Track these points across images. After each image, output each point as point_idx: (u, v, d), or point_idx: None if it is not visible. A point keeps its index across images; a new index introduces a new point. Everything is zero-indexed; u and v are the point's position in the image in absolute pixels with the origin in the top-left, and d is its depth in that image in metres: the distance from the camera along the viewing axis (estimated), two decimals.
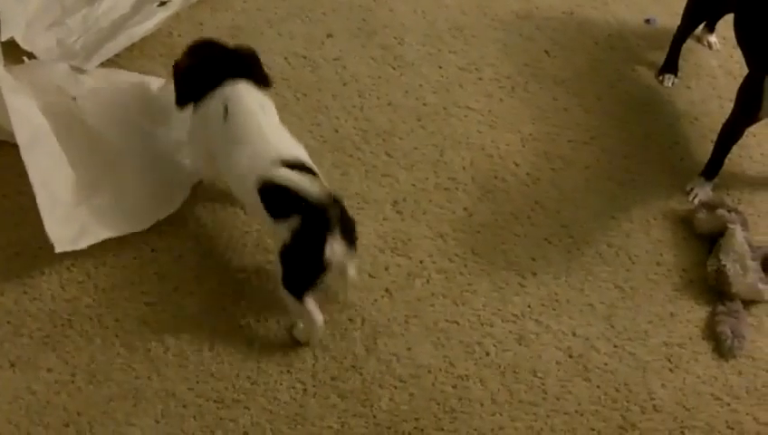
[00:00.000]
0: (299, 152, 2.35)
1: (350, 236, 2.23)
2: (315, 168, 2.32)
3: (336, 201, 2.18)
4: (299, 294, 2.24)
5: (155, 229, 2.56)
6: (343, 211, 2.23)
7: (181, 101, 2.50)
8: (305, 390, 2.30)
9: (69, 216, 2.48)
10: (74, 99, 2.70)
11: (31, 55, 2.88)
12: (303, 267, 2.22)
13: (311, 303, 2.27)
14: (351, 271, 2.37)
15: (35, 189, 2.42)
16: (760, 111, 2.59)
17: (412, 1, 3.31)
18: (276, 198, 2.21)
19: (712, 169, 2.77)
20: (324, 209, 2.13)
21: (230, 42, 2.74)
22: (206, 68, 2.44)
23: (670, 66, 3.09)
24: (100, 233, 2.49)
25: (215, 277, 2.49)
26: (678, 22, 3.05)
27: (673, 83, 3.08)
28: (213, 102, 2.39)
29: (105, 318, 2.39)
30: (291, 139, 2.39)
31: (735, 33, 2.75)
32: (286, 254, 2.21)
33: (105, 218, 2.53)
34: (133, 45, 3.00)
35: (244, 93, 2.40)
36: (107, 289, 2.45)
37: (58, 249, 2.38)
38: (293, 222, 2.16)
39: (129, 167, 2.64)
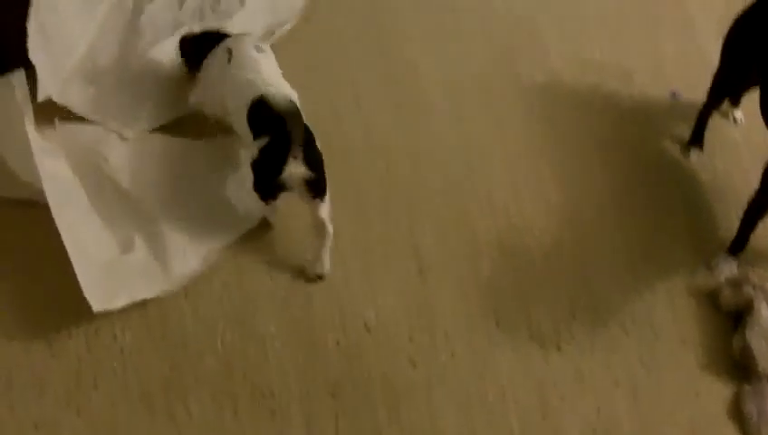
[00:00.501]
0: (291, 94, 2.65)
1: (312, 161, 2.48)
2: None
3: (301, 128, 2.47)
4: (263, 199, 2.59)
5: (182, 292, 2.58)
6: (309, 138, 2.51)
7: (192, 63, 2.92)
8: None
9: (104, 275, 2.52)
10: (106, 160, 2.74)
11: (66, 111, 2.93)
12: (264, 182, 2.54)
13: (272, 206, 2.65)
14: (323, 212, 2.58)
15: (68, 250, 2.46)
16: None
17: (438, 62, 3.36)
18: (257, 118, 2.55)
19: (737, 245, 2.77)
20: (288, 133, 2.42)
21: None
22: (210, 33, 2.94)
23: (696, 140, 3.11)
24: (136, 293, 2.52)
25: (239, 341, 2.50)
26: (703, 96, 3.07)
27: (698, 157, 3.09)
28: (218, 52, 2.81)
29: (130, 381, 2.40)
30: (286, 83, 2.72)
31: (761, 108, 2.76)
32: (254, 167, 2.55)
33: (140, 277, 2.57)
34: None
35: (246, 41, 2.82)
36: (133, 352, 2.46)
37: (96, 308, 2.42)
38: (263, 141, 2.49)
39: (165, 225, 2.70)
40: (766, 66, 2.72)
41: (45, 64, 2.90)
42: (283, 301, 2.60)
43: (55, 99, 2.91)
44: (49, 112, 2.86)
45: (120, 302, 2.48)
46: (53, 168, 2.63)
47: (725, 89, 3.04)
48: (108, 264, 2.57)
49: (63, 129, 2.88)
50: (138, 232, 2.67)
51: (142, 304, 2.53)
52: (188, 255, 2.66)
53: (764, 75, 2.74)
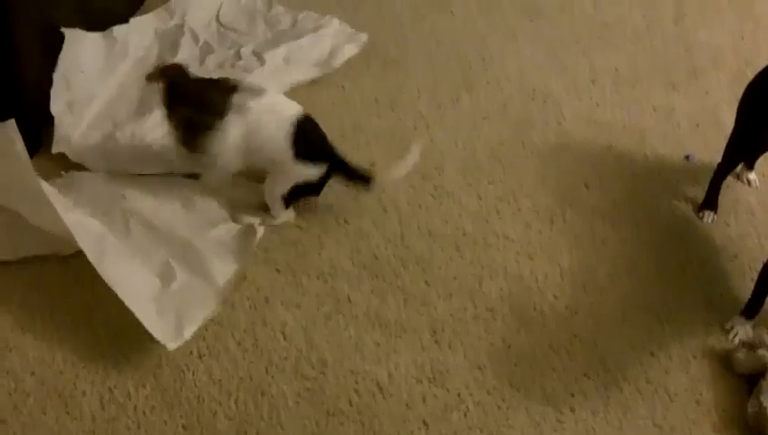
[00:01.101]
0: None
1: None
2: None
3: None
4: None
5: (196, 352, 2.60)
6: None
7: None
8: None
9: (161, 311, 2.59)
10: (123, 196, 2.89)
11: (75, 167, 3.03)
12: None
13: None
14: None
15: (122, 297, 2.53)
16: None
17: (451, 131, 3.40)
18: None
19: (752, 308, 2.76)
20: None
21: None
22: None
23: (710, 203, 3.12)
24: (195, 316, 2.62)
25: (252, 401, 2.50)
26: (716, 158, 3.09)
27: (712, 220, 3.10)
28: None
29: None
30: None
31: None
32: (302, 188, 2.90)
33: (192, 301, 2.67)
34: None
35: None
36: (146, 411, 2.46)
37: (172, 347, 2.52)
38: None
39: (196, 241, 2.84)
40: None
41: (64, 117, 2.97)
42: (296, 361, 2.61)
43: (69, 155, 2.98)
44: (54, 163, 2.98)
45: (188, 332, 2.58)
46: (79, 220, 2.69)
47: (741, 152, 3.06)
48: (157, 299, 2.64)
49: (71, 176, 3.00)
50: (172, 258, 2.77)
51: (157, 364, 2.56)
52: (225, 259, 2.80)
53: None
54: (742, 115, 2.95)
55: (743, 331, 2.74)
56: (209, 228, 2.90)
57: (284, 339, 2.66)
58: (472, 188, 3.19)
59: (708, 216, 3.11)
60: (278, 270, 2.85)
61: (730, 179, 3.19)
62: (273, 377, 2.57)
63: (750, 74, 3.00)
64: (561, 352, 2.69)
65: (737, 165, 3.12)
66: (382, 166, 3.08)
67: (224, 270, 2.78)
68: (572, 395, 2.59)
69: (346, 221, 3.02)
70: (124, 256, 2.73)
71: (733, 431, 2.54)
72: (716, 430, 2.54)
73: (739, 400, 2.60)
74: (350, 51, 3.68)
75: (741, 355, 2.64)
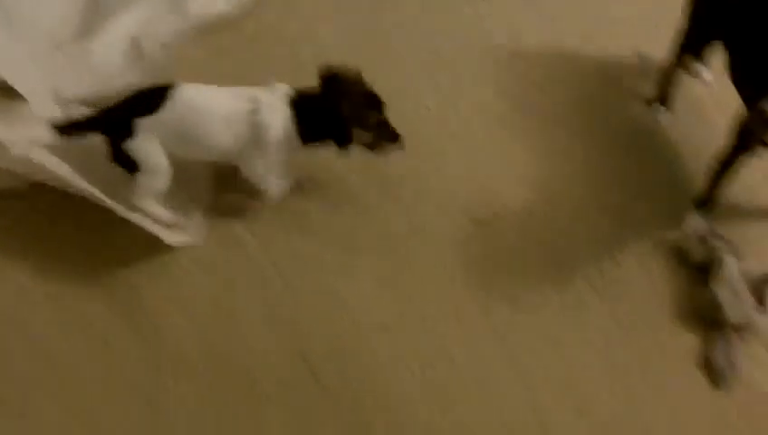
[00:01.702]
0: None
1: None
2: None
3: None
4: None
5: (154, 275, 2.63)
6: None
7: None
8: None
9: None
10: None
11: None
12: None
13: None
14: None
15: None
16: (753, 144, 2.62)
17: (410, 33, 3.39)
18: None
19: (705, 200, 2.81)
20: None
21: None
22: None
23: (662, 99, 3.15)
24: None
25: (219, 322, 2.55)
26: (668, 55, 3.10)
27: (664, 116, 3.13)
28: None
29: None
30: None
31: (726, 65, 2.79)
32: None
33: None
34: None
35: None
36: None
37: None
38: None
39: None
40: (730, 22, 2.75)
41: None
42: (262, 280, 2.65)
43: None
44: None
45: None
46: None
47: (688, 46, 3.07)
48: None
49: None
50: None
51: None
52: None
53: (729, 30, 2.77)
54: (688, 9, 2.94)
55: (695, 222, 2.79)
56: None
57: (248, 261, 2.69)
58: (428, 94, 3.19)
59: (660, 111, 3.13)
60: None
61: (682, 75, 3.20)
62: (239, 298, 2.61)
63: None
64: (519, 255, 2.75)
65: (686, 60, 3.13)
66: None
67: None
68: (530, 295, 2.65)
69: None
70: None
71: (686, 321, 2.63)
72: (671, 319, 2.63)
73: (693, 290, 2.67)
74: None
75: (694, 246, 2.71)
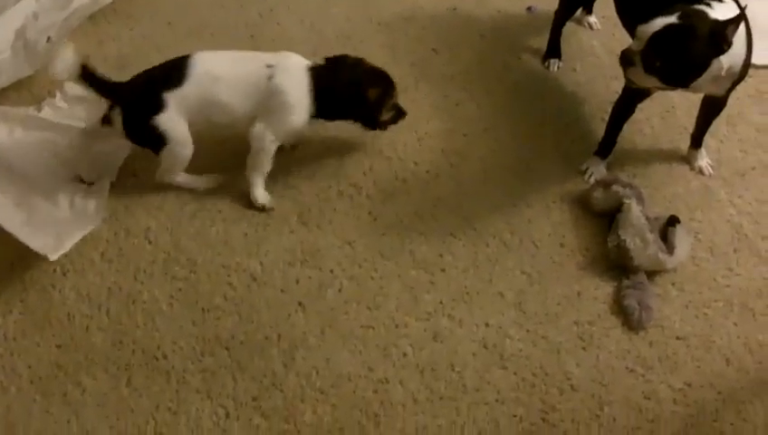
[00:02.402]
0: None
1: None
2: None
3: None
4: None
5: (60, 271, 2.54)
6: None
7: None
8: (227, 414, 2.28)
9: (35, 230, 2.53)
10: None
11: None
12: None
13: None
14: None
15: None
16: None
17: (299, 13, 3.33)
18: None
19: (605, 148, 2.84)
20: None
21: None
22: None
23: (553, 51, 3.18)
24: (76, 233, 2.57)
25: (125, 311, 2.47)
26: (556, 5, 3.12)
27: (558, 67, 3.17)
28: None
29: (18, 366, 2.35)
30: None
31: (616, 8, 2.81)
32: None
33: (71, 219, 2.64)
34: (21, 84, 2.97)
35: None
36: (17, 336, 2.41)
37: (53, 257, 2.45)
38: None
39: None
40: None
41: None
42: (164, 263, 2.58)
43: None
44: None
45: (68, 244, 2.53)
46: None
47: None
48: (31, 223, 2.59)
49: None
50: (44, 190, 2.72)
51: (22, 288, 2.49)
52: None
53: None
54: None
55: (597, 170, 2.83)
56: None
57: (150, 244, 2.63)
58: None
59: (554, 64, 3.17)
60: (135, 175, 2.78)
61: (573, 26, 3.24)
62: (142, 283, 2.54)
63: None
64: (427, 217, 2.74)
65: (574, 11, 3.16)
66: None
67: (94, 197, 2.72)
68: (441, 256, 2.64)
69: None
70: None
71: (597, 268, 2.65)
72: (582, 268, 2.64)
73: (600, 237, 2.70)
74: None
75: (597, 194, 2.73)
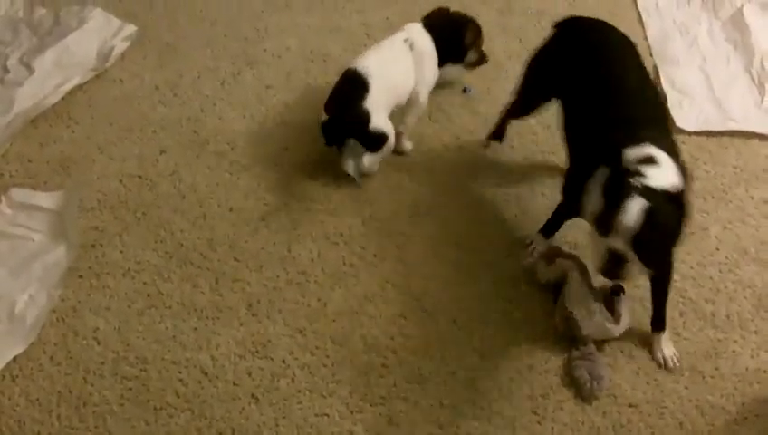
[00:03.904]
0: None
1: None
2: None
3: None
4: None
5: (9, 376, 2.54)
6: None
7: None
8: None
9: None
10: None
11: None
12: None
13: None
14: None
15: None
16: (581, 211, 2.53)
17: (238, 106, 3.37)
18: None
19: (550, 229, 2.87)
20: None
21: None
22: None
23: (496, 134, 3.23)
24: (5, 355, 2.58)
25: (75, 414, 2.45)
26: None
27: (498, 148, 3.22)
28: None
29: None
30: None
31: (561, 124, 2.76)
32: None
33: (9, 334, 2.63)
34: None
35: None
36: None
37: None
38: None
39: None
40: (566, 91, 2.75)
41: None
42: (114, 363, 2.56)
43: None
44: None
45: None
46: None
47: (523, 108, 3.10)
48: None
49: None
50: None
51: None
52: (37, 296, 2.72)
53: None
54: (527, 78, 2.96)
55: (540, 244, 2.87)
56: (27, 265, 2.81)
57: (99, 344, 2.61)
58: (267, 158, 3.18)
59: (494, 145, 3.22)
60: (81, 276, 2.77)
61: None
62: (92, 385, 2.52)
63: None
64: (377, 300, 2.75)
65: (533, 109, 3.09)
66: (177, 152, 3.12)
67: (34, 308, 2.69)
68: (392, 339, 2.65)
69: (144, 214, 2.97)
70: None
71: (547, 341, 2.68)
72: (531, 342, 2.67)
73: (548, 310, 2.73)
74: (121, 46, 3.59)
75: (542, 267, 2.77)
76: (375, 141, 2.99)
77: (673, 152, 2.36)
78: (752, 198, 3.10)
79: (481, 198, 3.07)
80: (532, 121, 3.30)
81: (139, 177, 3.08)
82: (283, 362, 2.59)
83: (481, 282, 2.82)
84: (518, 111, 3.11)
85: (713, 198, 3.10)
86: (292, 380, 2.55)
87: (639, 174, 2.20)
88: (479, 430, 2.46)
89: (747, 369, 2.64)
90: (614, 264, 2.25)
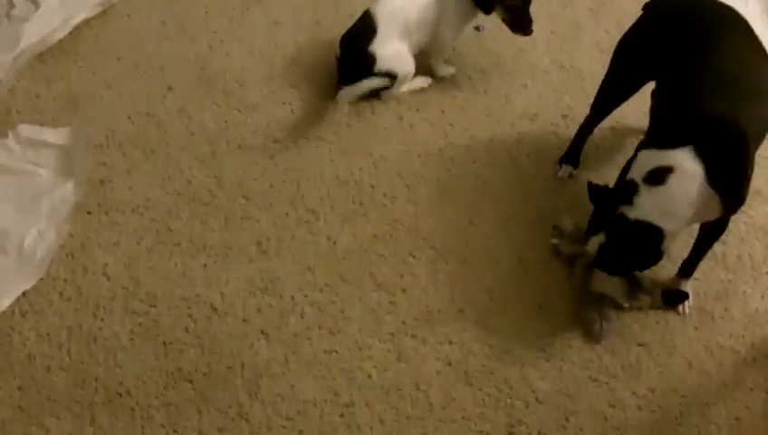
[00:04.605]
0: None
1: None
2: None
3: None
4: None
5: (18, 312, 2.52)
6: None
7: None
8: None
9: None
10: None
11: None
12: None
13: None
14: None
15: None
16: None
17: (247, 43, 3.33)
18: None
19: (572, 156, 2.90)
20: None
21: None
22: None
23: (570, 158, 2.97)
24: (13, 290, 2.57)
25: (85, 349, 2.45)
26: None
27: (570, 175, 2.95)
28: None
29: None
30: None
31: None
32: None
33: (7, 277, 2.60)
34: None
35: None
36: None
37: None
38: None
39: None
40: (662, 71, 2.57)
41: None
42: (124, 299, 2.56)
43: None
44: None
45: (5, 303, 2.54)
46: None
47: (613, 101, 2.83)
48: None
49: None
50: None
51: None
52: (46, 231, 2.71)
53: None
54: (617, 62, 2.72)
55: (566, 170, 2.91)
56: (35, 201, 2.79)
57: (108, 280, 2.61)
58: (276, 96, 3.15)
59: (566, 169, 2.95)
60: (89, 212, 2.76)
61: (521, 43, 3.26)
62: (102, 320, 2.52)
63: None
64: (386, 239, 2.74)
65: (606, 115, 2.88)
66: (184, 89, 3.10)
67: (43, 244, 2.68)
68: (401, 277, 2.65)
69: (152, 151, 2.95)
70: None
71: (557, 282, 2.67)
72: (543, 283, 2.67)
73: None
74: None
75: (566, 244, 2.71)
76: (383, 79, 3.07)
77: None
78: None
79: (493, 138, 3.04)
80: (545, 60, 3.26)
81: (147, 114, 3.05)
82: (292, 299, 2.59)
83: (491, 222, 2.80)
84: (611, 103, 2.82)
85: None
86: (302, 317, 2.55)
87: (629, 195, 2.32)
88: (487, 368, 2.46)
89: (757, 310, 2.64)
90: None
